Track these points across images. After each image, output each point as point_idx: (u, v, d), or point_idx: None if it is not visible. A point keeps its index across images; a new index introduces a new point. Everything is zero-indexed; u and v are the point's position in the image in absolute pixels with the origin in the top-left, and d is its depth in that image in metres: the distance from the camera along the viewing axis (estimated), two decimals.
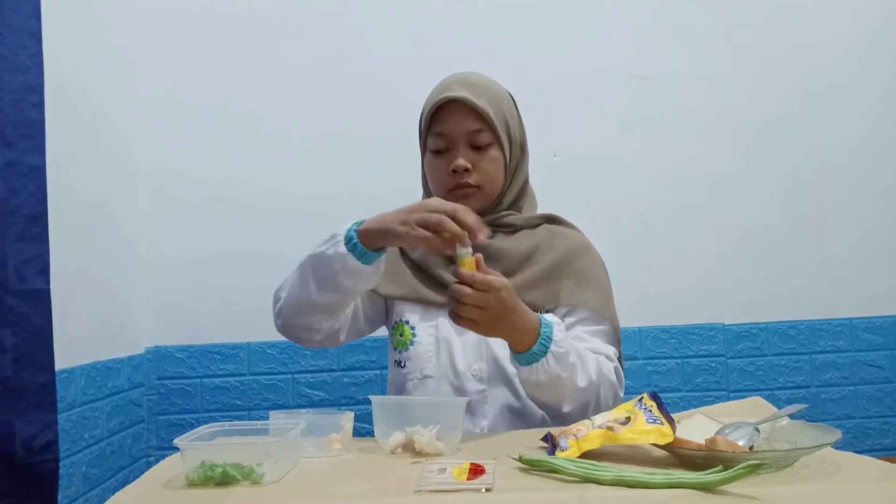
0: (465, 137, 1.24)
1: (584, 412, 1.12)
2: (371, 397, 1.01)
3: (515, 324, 1.05)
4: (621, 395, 1.20)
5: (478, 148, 1.24)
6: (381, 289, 1.29)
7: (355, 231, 1.08)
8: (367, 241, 1.07)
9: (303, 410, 1.09)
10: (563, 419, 1.12)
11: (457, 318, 1.03)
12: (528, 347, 1.06)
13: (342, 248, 1.07)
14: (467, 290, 1.00)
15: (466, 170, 1.23)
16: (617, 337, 1.26)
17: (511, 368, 1.21)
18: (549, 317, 1.11)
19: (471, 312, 1.02)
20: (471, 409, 1.21)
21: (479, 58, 1.77)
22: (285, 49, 1.86)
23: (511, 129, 1.28)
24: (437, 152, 1.27)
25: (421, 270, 1.31)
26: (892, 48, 1.94)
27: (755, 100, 1.92)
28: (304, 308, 1.18)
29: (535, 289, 1.23)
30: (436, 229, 1.01)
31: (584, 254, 1.30)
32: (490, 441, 1.05)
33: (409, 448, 0.94)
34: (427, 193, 1.34)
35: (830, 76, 1.94)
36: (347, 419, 1.01)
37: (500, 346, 1.22)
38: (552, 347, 1.07)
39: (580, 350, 1.14)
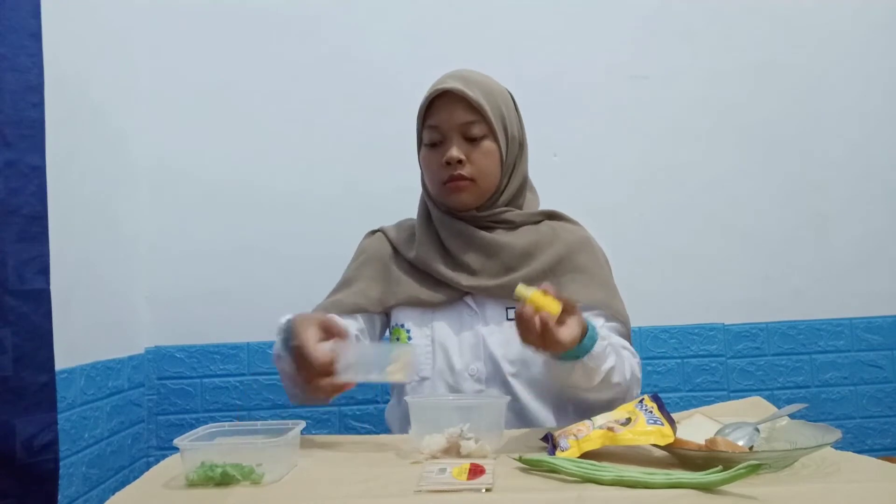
0: (458, 129, 1.24)
1: (609, 406, 1.12)
2: (407, 398, 1.00)
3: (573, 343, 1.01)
4: (637, 392, 1.18)
5: (471, 140, 1.24)
6: (379, 305, 1.30)
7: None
8: None
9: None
10: (587, 411, 1.13)
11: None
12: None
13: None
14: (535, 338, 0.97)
15: (460, 161, 1.23)
16: (627, 333, 1.25)
17: (508, 367, 1.21)
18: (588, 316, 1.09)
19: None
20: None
21: (479, 58, 1.76)
22: (285, 49, 1.86)
23: (507, 123, 1.27)
24: (432, 145, 1.27)
25: (418, 271, 1.30)
26: (892, 48, 1.94)
27: (755, 100, 1.92)
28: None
29: (537, 285, 1.22)
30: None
31: (586, 249, 1.30)
32: None
33: (452, 452, 0.92)
34: (426, 189, 1.34)
35: (830, 76, 1.93)
36: (406, 352, 1.01)
37: (497, 346, 1.22)
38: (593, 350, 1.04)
39: (616, 345, 1.14)
